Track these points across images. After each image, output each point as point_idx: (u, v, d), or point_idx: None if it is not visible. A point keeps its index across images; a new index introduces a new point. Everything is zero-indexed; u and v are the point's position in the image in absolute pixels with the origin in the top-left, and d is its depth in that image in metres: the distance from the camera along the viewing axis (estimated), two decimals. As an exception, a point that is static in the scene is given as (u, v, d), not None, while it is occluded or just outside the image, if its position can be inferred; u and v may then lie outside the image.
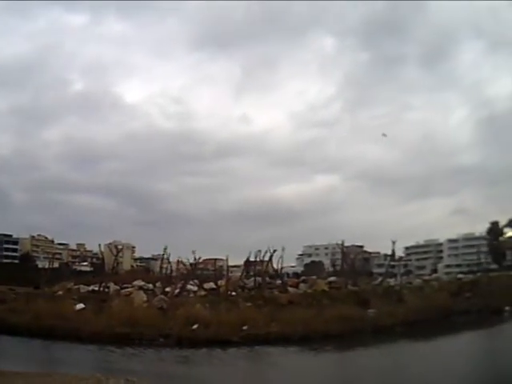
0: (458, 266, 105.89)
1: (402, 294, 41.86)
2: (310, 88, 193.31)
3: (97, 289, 41.18)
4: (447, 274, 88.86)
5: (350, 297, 39.58)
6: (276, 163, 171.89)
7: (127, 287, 41.15)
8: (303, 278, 54.44)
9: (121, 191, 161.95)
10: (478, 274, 62.02)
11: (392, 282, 53.45)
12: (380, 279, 54.27)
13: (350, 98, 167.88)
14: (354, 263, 58.90)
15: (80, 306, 34.41)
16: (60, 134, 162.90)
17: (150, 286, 42.47)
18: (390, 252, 59.26)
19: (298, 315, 31.92)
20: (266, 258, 47.97)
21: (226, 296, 38.94)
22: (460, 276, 66.53)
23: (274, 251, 46.63)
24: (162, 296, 36.94)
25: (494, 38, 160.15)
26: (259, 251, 48.07)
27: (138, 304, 34.65)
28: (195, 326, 29.83)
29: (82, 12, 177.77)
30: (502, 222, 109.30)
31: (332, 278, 50.59)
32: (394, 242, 53.94)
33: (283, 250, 47.44)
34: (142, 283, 42.51)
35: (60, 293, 41.41)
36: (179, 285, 41.47)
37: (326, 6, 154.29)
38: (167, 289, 40.02)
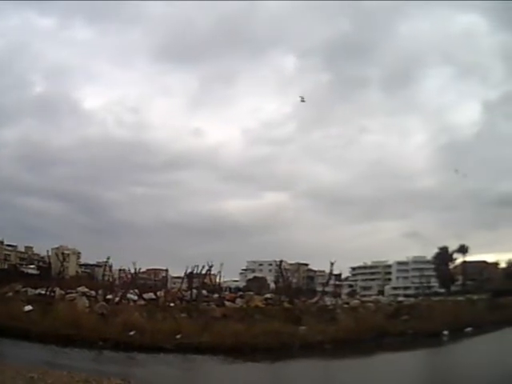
0: (406, 288, 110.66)
1: (336, 313, 45.15)
2: (266, 105, 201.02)
3: (44, 292, 44.78)
4: (394, 295, 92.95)
5: (283, 313, 42.94)
6: (226, 178, 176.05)
7: (71, 292, 45.09)
8: (240, 293, 58.79)
9: (71, 196, 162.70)
10: (420, 298, 67.49)
11: (328, 301, 57.37)
12: (316, 298, 58.74)
13: (305, 118, 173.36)
14: (291, 281, 62.95)
15: (28, 307, 37.76)
16: (16, 135, 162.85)
17: (93, 292, 46.41)
18: (336, 271, 64.09)
19: (229, 328, 35.62)
20: (210, 271, 52.51)
21: (163, 307, 43.06)
22: (401, 299, 71.87)
23: (211, 266, 50.86)
24: (103, 303, 41.04)
25: (462, 64, 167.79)
26: (196, 266, 52.15)
27: (81, 309, 38.68)
28: (132, 333, 33.61)
29: (52, 15, 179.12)
30: (455, 245, 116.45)
31: (269, 295, 55.12)
32: (332, 263, 58.42)
33: (221, 265, 51.72)
34: (86, 289, 46.43)
35: (10, 294, 44.85)
36: (120, 293, 45.64)
37: (290, 25, 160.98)
38: (108, 296, 44.12)
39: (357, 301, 65.48)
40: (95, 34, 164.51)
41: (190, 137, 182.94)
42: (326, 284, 66.21)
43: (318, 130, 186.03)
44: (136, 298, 46.75)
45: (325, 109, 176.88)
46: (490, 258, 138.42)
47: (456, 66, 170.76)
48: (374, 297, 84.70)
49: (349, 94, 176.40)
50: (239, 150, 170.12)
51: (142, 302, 45.28)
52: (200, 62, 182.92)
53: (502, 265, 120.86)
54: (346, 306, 55.67)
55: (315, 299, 57.98)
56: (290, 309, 46.44)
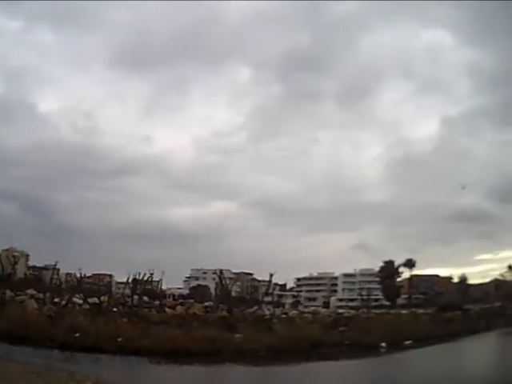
0: (352, 300, 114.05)
1: (272, 323, 48.54)
2: (218, 115, 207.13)
3: (-6, 294, 48.69)
4: (339, 307, 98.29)
5: (220, 321, 46.89)
6: (174, 186, 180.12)
7: (21, 294, 49.16)
8: (181, 300, 63.22)
9: (23, 198, 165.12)
10: (361, 310, 72.27)
11: (267, 311, 61.24)
12: (255, 308, 63.19)
13: (256, 129, 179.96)
14: (230, 290, 67.47)
15: (-21, 309, 42.01)
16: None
17: (41, 295, 50.54)
18: (281, 282, 68.30)
19: (167, 333, 39.57)
20: (151, 279, 56.84)
21: (106, 311, 47.18)
22: (341, 311, 76.79)
23: (152, 273, 55.21)
24: (51, 306, 45.33)
25: (423, 79, 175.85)
26: (139, 273, 56.42)
27: (31, 311, 42.90)
28: (77, 334, 37.63)
29: (18, 18, 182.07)
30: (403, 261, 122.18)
31: (208, 303, 59.71)
32: (271, 274, 63.48)
33: (163, 272, 55.95)
34: (34, 292, 50.55)
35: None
36: (66, 297, 49.94)
37: (248, 37, 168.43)
38: (56, 299, 48.36)
39: (295, 311, 70.26)
40: (56, 38, 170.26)
41: (140, 143, 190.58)
42: (266, 294, 70.69)
43: (269, 141, 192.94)
44: (81, 301, 50.93)
45: (276, 120, 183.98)
46: (443, 272, 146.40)
47: (416, 80, 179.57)
48: (313, 308, 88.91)
49: (301, 106, 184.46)
50: (189, 158, 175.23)
51: (87, 306, 49.35)
52: (155, 70, 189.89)
53: (455, 279, 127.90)
54: (283, 316, 59.46)
55: (254, 309, 61.41)
56: (227, 317, 50.03)
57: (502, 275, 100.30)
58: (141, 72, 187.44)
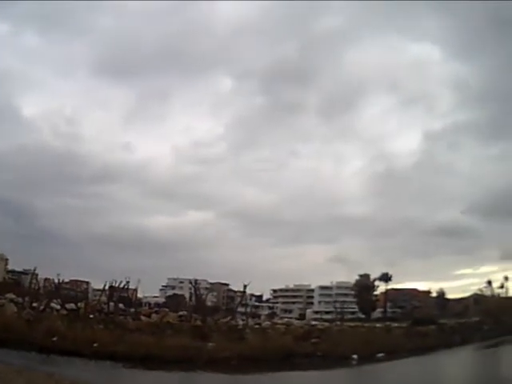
0: (328, 312, 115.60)
1: (245, 332, 50.41)
2: (199, 125, 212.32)
3: (-26, 297, 50.47)
4: (315, 319, 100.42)
5: (193, 330, 48.77)
6: (153, 194, 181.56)
7: (0, 298, 50.90)
8: (156, 309, 65.18)
9: (2, 202, 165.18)
10: (334, 323, 73.99)
11: (240, 321, 63.79)
12: (229, 318, 65.23)
13: (236, 140, 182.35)
14: (204, 299, 69.45)
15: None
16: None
17: (20, 299, 52.32)
18: (257, 293, 69.89)
19: (142, 340, 41.45)
20: (127, 286, 58.79)
21: (83, 317, 49.08)
22: (314, 323, 78.89)
23: (128, 281, 57.14)
24: (30, 310, 47.20)
25: (407, 93, 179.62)
26: (115, 280, 58.33)
27: (10, 314, 44.71)
28: (55, 339, 39.69)
29: (5, 21, 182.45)
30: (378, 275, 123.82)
31: (183, 312, 61.64)
32: (245, 285, 65.58)
33: (139, 281, 57.81)
34: (13, 296, 52.30)
35: None
36: (44, 302, 51.85)
37: (232, 47, 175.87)
38: (34, 304, 50.22)
39: (268, 322, 71.70)
40: (43, 42, 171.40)
41: (121, 151, 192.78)
42: (240, 304, 73.01)
43: (249, 152, 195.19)
44: (59, 307, 52.81)
45: (257, 132, 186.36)
46: (423, 286, 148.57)
47: (401, 94, 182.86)
48: (286, 319, 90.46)
49: (283, 118, 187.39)
50: (168, 167, 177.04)
51: (64, 312, 51.23)
52: (138, 78, 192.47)
53: (434, 294, 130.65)
54: (256, 326, 61.09)
55: (227, 319, 63.55)
56: (201, 326, 51.87)
57: (480, 290, 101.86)
58: (124, 79, 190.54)
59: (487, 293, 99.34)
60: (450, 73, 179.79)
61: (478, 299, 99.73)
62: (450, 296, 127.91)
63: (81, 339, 40.18)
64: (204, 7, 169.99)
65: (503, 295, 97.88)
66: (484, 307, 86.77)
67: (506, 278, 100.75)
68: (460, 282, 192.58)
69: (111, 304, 55.67)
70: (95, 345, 39.59)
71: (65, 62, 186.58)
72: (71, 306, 54.10)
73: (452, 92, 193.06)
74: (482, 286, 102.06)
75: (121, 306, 57.44)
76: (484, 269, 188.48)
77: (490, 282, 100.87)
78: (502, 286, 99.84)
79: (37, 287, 57.32)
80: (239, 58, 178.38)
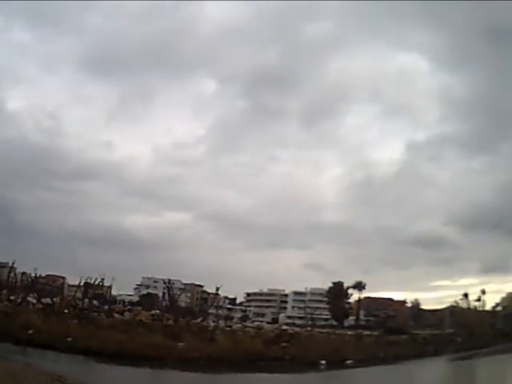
0: (301, 318, 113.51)
1: (215, 334, 52.09)
2: (180, 126, 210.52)
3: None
4: (287, 324, 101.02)
5: (165, 329, 50.54)
6: (131, 193, 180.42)
7: (-23, 292, 52.55)
8: (129, 307, 66.80)
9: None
10: (305, 328, 75.07)
11: (211, 323, 65.22)
12: (200, 319, 66.97)
13: (216, 142, 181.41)
14: (177, 300, 71.02)
15: None
16: None
17: (-3, 292, 54.02)
18: (231, 295, 71.27)
19: (114, 337, 43.29)
20: (102, 284, 60.63)
21: (58, 312, 50.81)
22: (285, 327, 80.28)
23: (103, 279, 58.93)
24: (7, 303, 48.86)
25: (391, 103, 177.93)
26: (90, 277, 60.10)
27: (-13, 307, 46.51)
28: (31, 331, 41.36)
29: None
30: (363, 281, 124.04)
31: (155, 312, 63.35)
32: (217, 288, 67.72)
33: (113, 278, 59.45)
34: (-10, 289, 53.95)
35: None
36: (21, 295, 53.56)
37: (217, 50, 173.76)
38: (11, 297, 51.88)
39: (239, 325, 74.09)
40: (31, 38, 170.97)
41: (101, 148, 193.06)
42: (214, 306, 74.85)
43: (228, 156, 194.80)
44: (35, 301, 54.52)
45: (238, 135, 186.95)
46: (398, 296, 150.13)
47: (384, 104, 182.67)
48: (257, 323, 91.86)
49: (264, 123, 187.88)
50: (148, 166, 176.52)
51: (40, 306, 52.92)
52: (122, 77, 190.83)
53: (409, 304, 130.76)
54: (227, 328, 62.91)
55: (199, 320, 65.23)
56: (172, 326, 53.47)
57: (456, 302, 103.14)
58: (108, 78, 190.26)
59: (463, 305, 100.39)
60: (436, 84, 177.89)
61: (453, 311, 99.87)
62: (426, 307, 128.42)
63: (56, 333, 41.96)
64: (191, 8, 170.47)
65: (480, 308, 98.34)
66: (459, 319, 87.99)
67: (483, 292, 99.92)
68: (437, 294, 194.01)
69: (86, 300, 57.26)
70: (69, 339, 41.29)
71: (51, 58, 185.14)
72: (47, 300, 55.67)
73: (437, 104, 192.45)
74: (458, 299, 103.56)
75: (95, 302, 59.05)
76: (462, 281, 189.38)
77: (466, 295, 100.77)
78: (478, 299, 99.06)
79: (14, 281, 58.82)
80: (224, 60, 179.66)
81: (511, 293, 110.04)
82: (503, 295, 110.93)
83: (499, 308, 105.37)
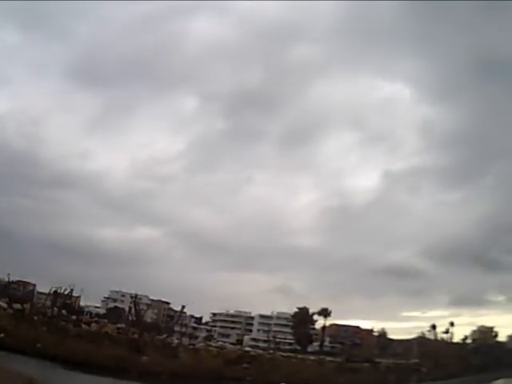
0: (266, 341, 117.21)
1: (178, 351, 53.80)
2: (158, 142, 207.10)
3: None
4: (251, 346, 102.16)
5: (130, 342, 52.22)
6: (106, 205, 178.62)
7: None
8: (96, 319, 68.60)
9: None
10: (269, 351, 74.59)
11: (175, 340, 66.88)
12: (165, 335, 68.65)
13: (194, 160, 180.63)
14: (143, 315, 72.25)
15: None
16: None
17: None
18: (198, 314, 72.60)
19: (81, 346, 45.27)
20: (71, 294, 62.39)
21: (29, 318, 52.65)
22: (247, 349, 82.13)
23: (72, 289, 60.75)
24: (-21, 306, 50.75)
25: (372, 131, 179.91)
26: (60, 287, 61.89)
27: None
28: (2, 335, 43.31)
29: None
30: (330, 308, 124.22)
31: (121, 325, 65.21)
32: (183, 306, 69.59)
33: (82, 290, 61.19)
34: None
35: None
36: (-6, 300, 55.43)
37: (201, 68, 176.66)
38: (-16, 301, 53.68)
39: (202, 344, 75.97)
40: (21, 42, 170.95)
41: (80, 158, 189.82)
42: (179, 324, 76.98)
43: (205, 174, 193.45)
44: (6, 306, 56.18)
45: (215, 154, 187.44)
46: (367, 324, 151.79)
47: (365, 132, 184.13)
48: (220, 343, 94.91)
49: (242, 143, 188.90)
50: (124, 179, 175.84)
51: (11, 311, 54.62)
52: (106, 87, 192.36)
53: (376, 332, 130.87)
54: (190, 346, 64.47)
55: (163, 336, 66.83)
56: (137, 340, 54.87)
57: (423, 333, 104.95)
58: (92, 87, 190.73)
59: (430, 336, 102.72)
60: (419, 115, 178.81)
61: (421, 342, 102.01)
62: (394, 337, 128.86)
63: (26, 338, 43.81)
64: (179, 24, 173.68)
65: (448, 340, 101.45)
66: (426, 350, 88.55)
67: (452, 324, 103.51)
68: (407, 324, 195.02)
69: (55, 309, 58.88)
70: (39, 345, 43.27)
71: (39, 62, 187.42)
72: (17, 306, 57.09)
73: (419, 134, 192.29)
74: (425, 330, 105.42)
75: (64, 311, 60.69)
76: (433, 313, 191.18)
77: (434, 326, 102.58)
78: (447, 331, 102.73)
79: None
80: (207, 78, 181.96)
81: (482, 326, 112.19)
82: (474, 328, 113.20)
83: (469, 341, 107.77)
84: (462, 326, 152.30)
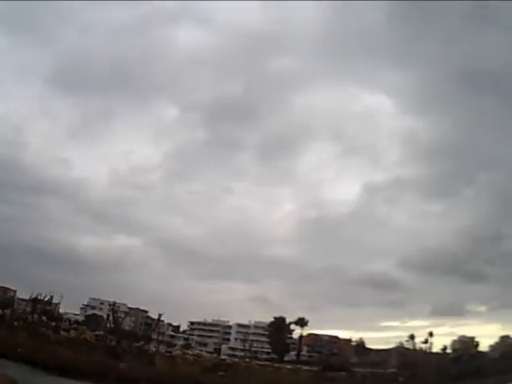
0: (244, 350, 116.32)
1: (155, 358, 54.92)
2: (138, 150, 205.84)
3: None
4: (229, 355, 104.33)
5: (107, 349, 53.46)
6: (85, 213, 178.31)
7: None
8: (75, 325, 69.96)
9: None
10: (245, 359, 76.21)
11: (152, 347, 68.16)
12: (142, 343, 69.99)
13: (173, 169, 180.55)
14: (121, 323, 73.80)
15: None
16: None
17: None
18: (175, 323, 73.61)
19: (60, 352, 46.68)
20: (51, 301, 63.82)
21: (9, 324, 54.28)
22: (223, 357, 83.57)
23: (52, 296, 62.14)
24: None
25: (352, 143, 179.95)
26: (40, 294, 63.23)
27: None
28: None
29: None
30: (308, 317, 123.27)
31: (99, 332, 66.63)
32: (160, 315, 70.93)
33: (61, 297, 62.57)
34: None
35: None
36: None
37: (181, 78, 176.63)
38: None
39: (179, 352, 77.09)
40: (8, 45, 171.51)
41: (60, 165, 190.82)
42: (156, 332, 78.08)
43: (183, 184, 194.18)
44: (-13, 311, 57.68)
45: (194, 164, 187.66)
46: (345, 334, 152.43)
47: (345, 143, 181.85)
48: (197, 351, 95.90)
49: (221, 154, 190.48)
50: (103, 188, 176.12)
51: (-9, 316, 56.12)
52: (87, 95, 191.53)
53: (354, 342, 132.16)
54: (167, 354, 65.78)
55: (141, 343, 66.97)
56: (115, 347, 56.25)
57: (401, 343, 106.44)
58: (73, 94, 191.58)
59: (409, 346, 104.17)
60: (400, 127, 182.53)
61: (400, 352, 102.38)
62: (373, 346, 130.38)
63: (6, 343, 45.08)
64: (161, 34, 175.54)
65: (427, 350, 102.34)
66: (404, 360, 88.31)
67: (431, 334, 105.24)
68: (385, 334, 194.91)
69: (35, 315, 60.28)
70: (19, 350, 44.63)
71: (23, 67, 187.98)
72: (-2, 311, 58.66)
73: (400, 146, 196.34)
74: (403, 340, 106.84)
75: (43, 318, 62.03)
76: (413, 323, 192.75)
77: (412, 336, 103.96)
78: (426, 341, 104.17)
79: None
80: (187, 88, 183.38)
81: (463, 336, 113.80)
82: (455, 338, 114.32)
83: (449, 351, 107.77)
84: (442, 336, 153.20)
